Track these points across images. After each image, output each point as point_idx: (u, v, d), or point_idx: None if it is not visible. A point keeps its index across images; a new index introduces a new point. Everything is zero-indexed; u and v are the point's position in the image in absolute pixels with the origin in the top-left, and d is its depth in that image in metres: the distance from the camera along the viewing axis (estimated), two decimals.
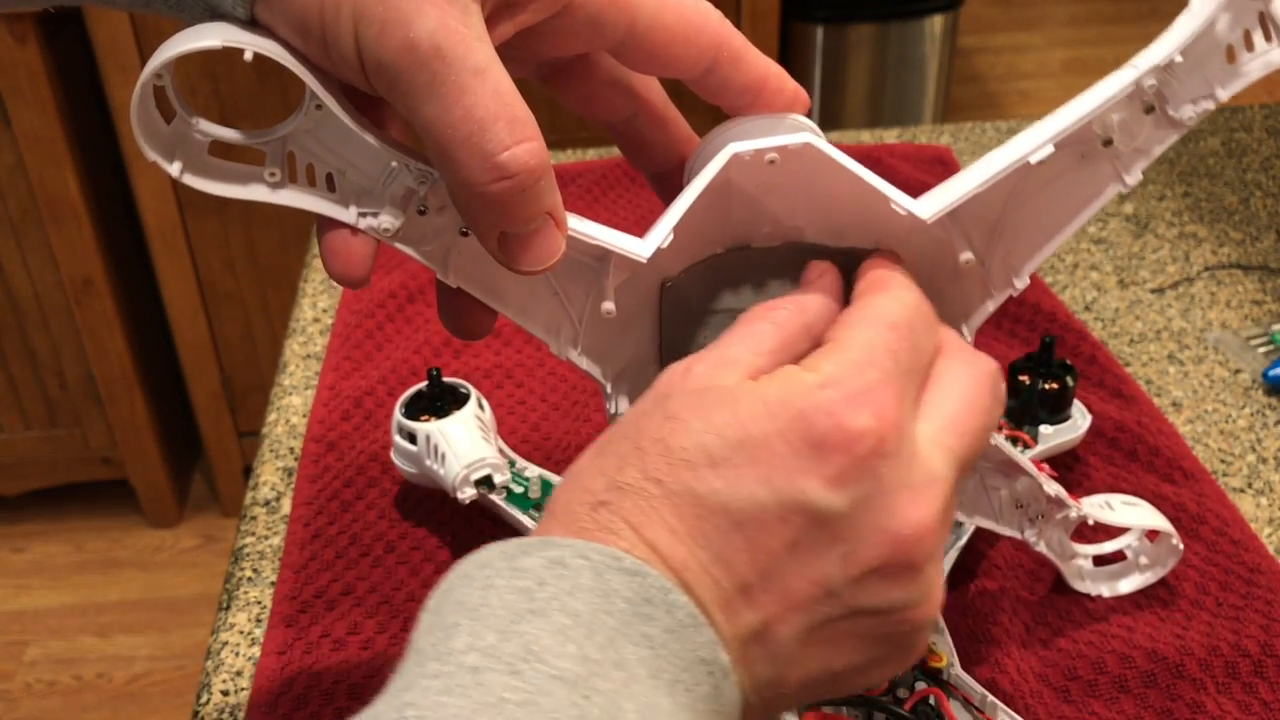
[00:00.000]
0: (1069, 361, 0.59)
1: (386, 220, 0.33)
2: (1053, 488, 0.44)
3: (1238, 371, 0.71)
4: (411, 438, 0.55)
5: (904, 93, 1.93)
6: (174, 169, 0.31)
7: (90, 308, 1.51)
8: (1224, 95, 0.34)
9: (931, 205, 0.34)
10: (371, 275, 0.34)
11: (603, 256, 0.34)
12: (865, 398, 0.28)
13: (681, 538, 0.28)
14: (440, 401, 0.57)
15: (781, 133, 0.35)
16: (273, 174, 0.32)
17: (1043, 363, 0.59)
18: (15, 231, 1.46)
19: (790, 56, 1.85)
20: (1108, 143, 0.35)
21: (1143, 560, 0.53)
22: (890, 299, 0.32)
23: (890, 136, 1.00)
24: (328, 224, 0.33)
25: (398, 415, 0.56)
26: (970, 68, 2.92)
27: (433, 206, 0.33)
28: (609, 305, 0.35)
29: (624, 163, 0.92)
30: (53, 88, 1.36)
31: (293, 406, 0.69)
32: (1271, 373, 0.69)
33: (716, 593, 0.28)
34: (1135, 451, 0.62)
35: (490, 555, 0.28)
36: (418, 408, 0.57)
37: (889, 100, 1.92)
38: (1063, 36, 3.15)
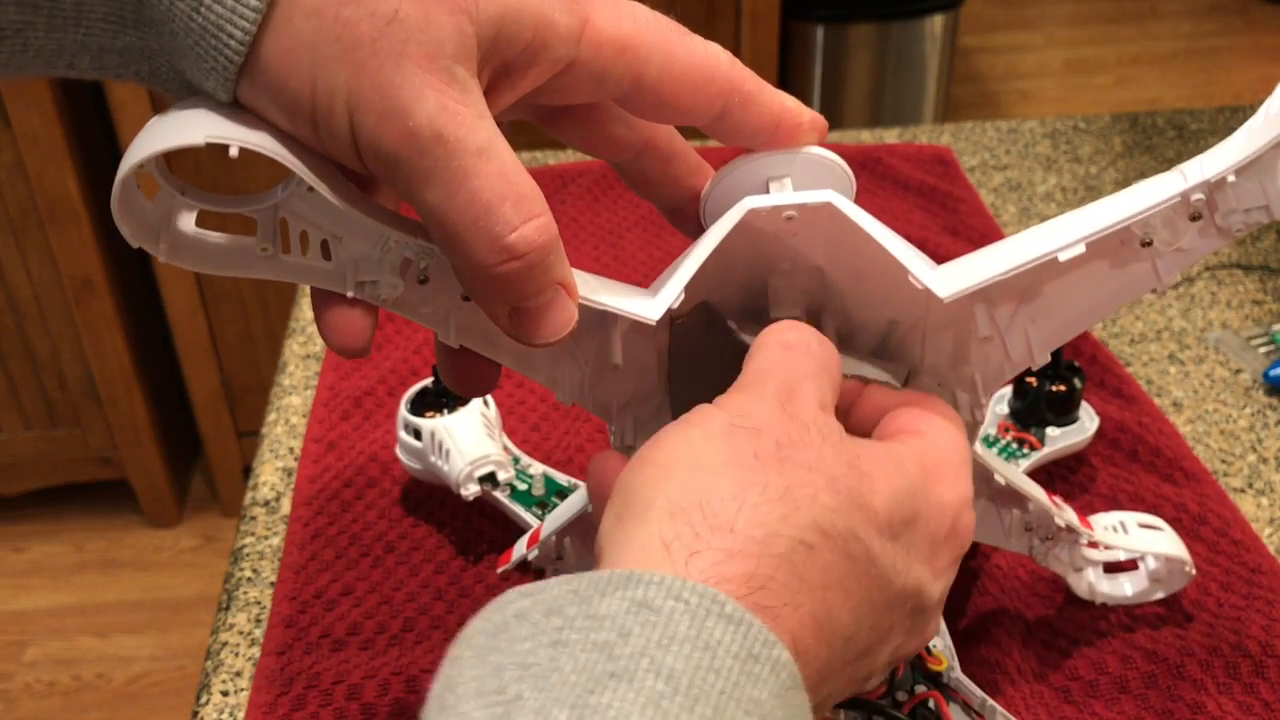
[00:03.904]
0: (1076, 363, 0.59)
1: (385, 290, 0.31)
2: (1064, 518, 0.43)
3: (1238, 371, 0.70)
4: (416, 434, 0.56)
5: (904, 93, 1.92)
6: (161, 253, 0.30)
7: (90, 308, 1.51)
8: (1279, 213, 0.32)
9: (950, 284, 0.33)
10: (371, 344, 0.33)
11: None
12: (971, 506, 0.32)
13: (806, 589, 0.26)
14: (445, 397, 0.57)
15: (800, 166, 0.33)
16: (265, 248, 0.30)
17: (1050, 364, 0.58)
18: (15, 231, 1.46)
19: (790, 56, 1.85)
20: (1146, 243, 0.33)
21: (1155, 579, 0.51)
22: (950, 411, 0.34)
23: (890, 136, 1.00)
24: (324, 295, 0.32)
25: (403, 411, 0.56)
26: (970, 68, 2.92)
27: (434, 275, 0.32)
28: (618, 361, 0.34)
29: None
30: (53, 88, 1.36)
31: (292, 406, 0.69)
32: (1272, 373, 0.69)
33: (816, 649, 0.27)
34: (1136, 452, 0.61)
35: (558, 596, 0.23)
36: (423, 403, 0.57)
37: (889, 100, 1.92)
38: (1063, 36, 3.15)
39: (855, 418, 0.34)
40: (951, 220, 0.83)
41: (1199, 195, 0.32)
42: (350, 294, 0.31)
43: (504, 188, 0.28)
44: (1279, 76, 0.34)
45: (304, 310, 0.79)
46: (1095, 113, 1.07)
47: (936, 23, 1.88)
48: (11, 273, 1.49)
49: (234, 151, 0.28)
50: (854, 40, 1.85)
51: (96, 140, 1.48)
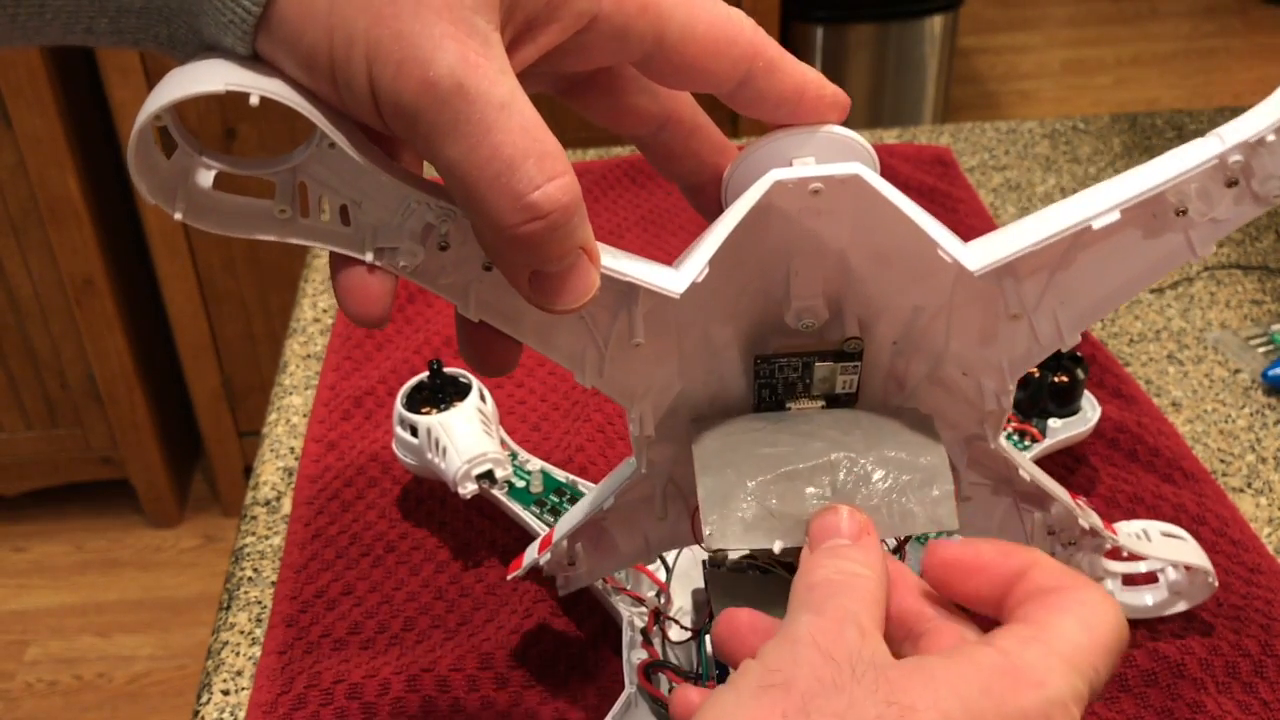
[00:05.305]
0: (1079, 353, 0.59)
1: (405, 258, 0.31)
2: (1089, 520, 0.43)
3: (1237, 371, 0.71)
4: (413, 430, 0.55)
5: (904, 93, 1.93)
6: (177, 213, 0.29)
7: (91, 307, 1.51)
8: None
9: (980, 257, 0.32)
10: (391, 313, 0.32)
11: (631, 287, 0.33)
12: (1073, 707, 0.27)
13: None
14: (442, 393, 0.57)
15: (821, 146, 0.33)
16: (283, 210, 0.30)
17: (1052, 355, 0.58)
18: (16, 231, 1.46)
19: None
20: (1181, 212, 0.32)
21: (1176, 590, 0.51)
22: (1104, 601, 0.29)
23: (890, 136, 1.00)
24: (341, 261, 0.31)
25: (399, 407, 0.56)
26: (970, 68, 2.92)
27: (454, 241, 0.31)
28: (639, 340, 0.33)
29: (624, 163, 0.92)
30: (53, 88, 1.36)
31: (293, 406, 0.69)
32: (1271, 372, 0.69)
33: None
34: (1135, 452, 0.62)
35: None
36: (419, 399, 0.56)
37: (889, 100, 1.92)
38: (1062, 36, 3.15)
39: (1010, 606, 0.31)
40: (951, 220, 0.83)
41: (1237, 157, 0.31)
42: (369, 259, 0.30)
43: (527, 143, 0.27)
44: (1278, 77, 0.33)
45: (304, 310, 0.79)
46: (1094, 113, 1.07)
47: (936, 23, 1.88)
48: (13, 272, 1.49)
49: (254, 100, 0.27)
50: (854, 41, 1.85)
51: (97, 140, 1.48)
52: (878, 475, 0.35)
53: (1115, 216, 0.32)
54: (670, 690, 0.45)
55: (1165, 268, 0.33)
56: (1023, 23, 3.22)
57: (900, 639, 0.31)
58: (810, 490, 0.34)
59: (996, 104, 2.79)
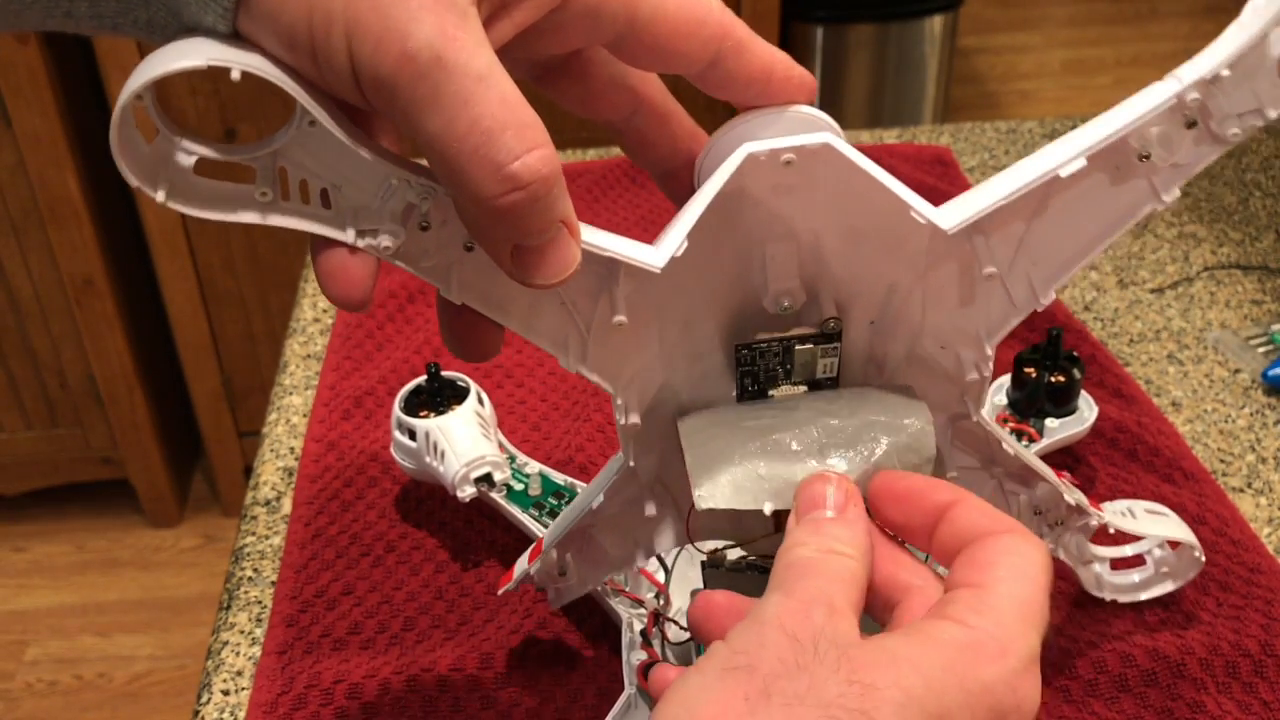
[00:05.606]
0: (1076, 354, 0.59)
1: (386, 239, 0.31)
2: (1073, 496, 0.43)
3: (1237, 371, 0.71)
4: (411, 434, 0.55)
5: (904, 93, 1.93)
6: (159, 195, 0.29)
7: (91, 308, 1.51)
8: (1274, 114, 0.32)
9: (953, 216, 0.33)
10: (373, 296, 0.32)
11: (612, 265, 0.33)
12: (1034, 666, 0.28)
13: None
14: (439, 396, 0.57)
15: (790, 124, 0.33)
16: (264, 193, 0.30)
17: (1049, 355, 0.58)
18: (16, 231, 1.46)
19: (790, 57, 1.85)
20: (1144, 157, 0.33)
21: (1163, 569, 0.51)
22: (1032, 546, 0.30)
23: (890, 136, 1.00)
24: (322, 244, 0.31)
25: (397, 411, 0.56)
26: (970, 68, 2.92)
27: (435, 221, 0.31)
28: (621, 318, 0.34)
29: (624, 163, 0.92)
30: (53, 88, 1.36)
31: (293, 406, 0.69)
32: (1271, 372, 0.69)
33: None
34: (1135, 451, 0.62)
35: None
36: (417, 403, 0.56)
37: (889, 100, 1.92)
38: (1062, 37, 3.15)
39: (938, 544, 0.32)
40: None
41: (1194, 95, 0.32)
42: (351, 242, 0.31)
43: (506, 115, 0.27)
44: None
45: (304, 310, 0.79)
46: (1094, 113, 1.07)
47: (936, 23, 1.88)
48: (13, 272, 1.49)
49: (235, 75, 0.27)
50: (854, 41, 1.85)
51: (97, 140, 1.48)
52: (863, 436, 0.35)
53: (1081, 163, 0.33)
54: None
55: (1131, 216, 0.34)
56: (1023, 23, 3.22)
57: (880, 609, 0.32)
58: (796, 452, 0.35)
59: (996, 104, 2.79)
